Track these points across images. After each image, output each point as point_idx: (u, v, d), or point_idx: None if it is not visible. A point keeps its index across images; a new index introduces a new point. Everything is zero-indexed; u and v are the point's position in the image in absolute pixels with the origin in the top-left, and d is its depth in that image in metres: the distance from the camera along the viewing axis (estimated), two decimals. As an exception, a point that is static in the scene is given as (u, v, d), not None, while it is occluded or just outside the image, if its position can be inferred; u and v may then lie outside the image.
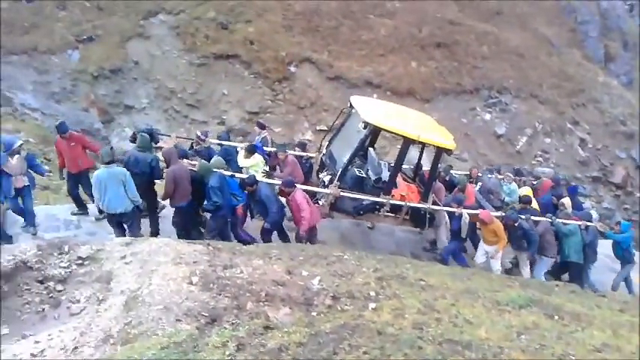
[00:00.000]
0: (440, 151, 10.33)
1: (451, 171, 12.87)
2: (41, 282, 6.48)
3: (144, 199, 9.09)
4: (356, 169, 10.44)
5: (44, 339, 5.75)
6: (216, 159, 9.57)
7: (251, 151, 10.56)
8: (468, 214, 10.21)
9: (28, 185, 9.36)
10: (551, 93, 21.56)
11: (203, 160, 9.37)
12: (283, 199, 9.58)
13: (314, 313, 5.75)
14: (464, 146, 19.29)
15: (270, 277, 6.29)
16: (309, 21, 21.23)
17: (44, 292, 6.42)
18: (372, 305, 6.12)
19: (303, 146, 12.37)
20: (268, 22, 20.54)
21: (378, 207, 10.28)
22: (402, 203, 10.33)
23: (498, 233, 10.19)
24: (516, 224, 10.37)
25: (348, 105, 10.83)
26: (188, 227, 9.36)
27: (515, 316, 6.31)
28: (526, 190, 12.29)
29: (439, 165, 10.89)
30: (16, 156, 9.11)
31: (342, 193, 9.88)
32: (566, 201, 12.11)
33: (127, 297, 5.70)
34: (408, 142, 10.14)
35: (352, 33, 21.51)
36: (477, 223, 10.44)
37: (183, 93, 18.81)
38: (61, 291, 6.45)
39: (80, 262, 6.72)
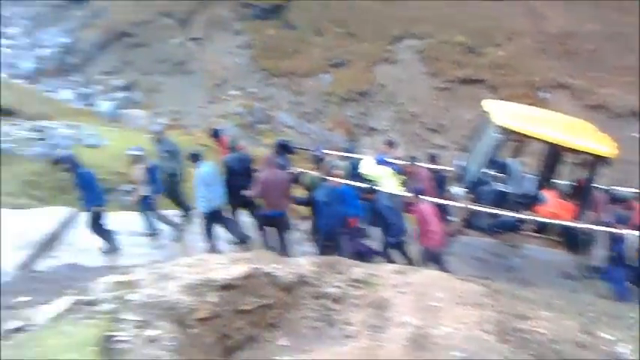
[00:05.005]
0: (596, 161, 8.70)
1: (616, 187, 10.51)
2: (316, 298, 6.57)
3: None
4: (498, 183, 9.31)
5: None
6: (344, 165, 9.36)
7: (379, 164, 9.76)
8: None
9: None
10: None
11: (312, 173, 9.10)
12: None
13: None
14: None
15: (567, 336, 5.42)
16: (564, 44, 19.55)
17: (319, 309, 6.49)
18: None
19: (432, 159, 10.95)
20: (519, 46, 19.51)
21: (519, 225, 9.03)
22: (548, 220, 8.85)
23: None
24: None
25: (482, 110, 9.71)
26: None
27: None
28: None
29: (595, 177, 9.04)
30: None
31: (474, 207, 8.87)
32: None
33: (410, 332, 5.37)
34: (553, 149, 9.24)
35: (615, 57, 19.17)
36: None
37: (425, 117, 18.69)
38: (335, 310, 6.45)
39: (354, 284, 6.67)
